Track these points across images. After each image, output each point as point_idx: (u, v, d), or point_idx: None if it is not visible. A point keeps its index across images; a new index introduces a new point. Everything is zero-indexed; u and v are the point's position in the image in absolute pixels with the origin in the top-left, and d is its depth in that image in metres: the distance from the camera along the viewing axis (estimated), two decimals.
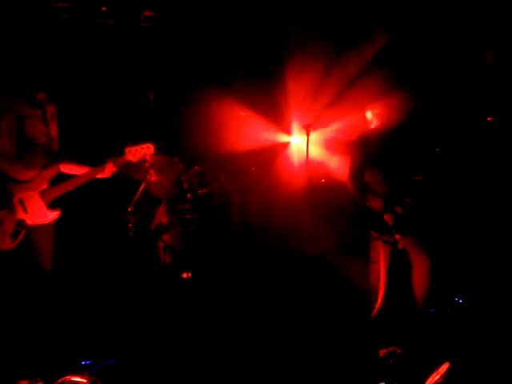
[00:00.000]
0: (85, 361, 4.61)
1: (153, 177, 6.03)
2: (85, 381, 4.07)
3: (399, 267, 5.06)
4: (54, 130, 4.47)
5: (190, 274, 6.06)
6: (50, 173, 4.37)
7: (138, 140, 4.62)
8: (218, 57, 6.93)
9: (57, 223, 4.49)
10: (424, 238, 4.97)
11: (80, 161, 4.56)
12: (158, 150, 6.29)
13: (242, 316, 5.46)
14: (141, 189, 6.04)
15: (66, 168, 4.53)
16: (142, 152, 4.55)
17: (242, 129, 6.98)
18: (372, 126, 5.16)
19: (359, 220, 5.02)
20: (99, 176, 4.49)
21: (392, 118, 5.02)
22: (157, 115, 6.60)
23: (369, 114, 5.18)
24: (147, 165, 5.99)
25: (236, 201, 6.98)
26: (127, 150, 4.53)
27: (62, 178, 4.46)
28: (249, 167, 7.13)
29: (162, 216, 6.17)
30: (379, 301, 5.00)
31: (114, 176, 6.04)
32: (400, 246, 4.91)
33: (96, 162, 4.52)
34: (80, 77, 6.34)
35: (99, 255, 6.06)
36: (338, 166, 6.08)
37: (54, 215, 4.39)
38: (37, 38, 5.85)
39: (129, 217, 6.02)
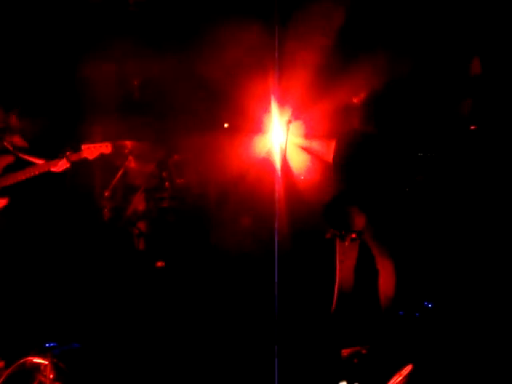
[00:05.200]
0: (49, 343, 4.57)
1: (132, 163, 6.06)
2: (46, 363, 4.01)
3: (368, 269, 5.07)
4: (13, 120, 4.47)
5: (163, 263, 6.04)
6: (5, 160, 4.35)
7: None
8: (202, 46, 6.86)
9: (34, 205, 4.46)
10: (390, 241, 4.98)
11: (37, 153, 4.54)
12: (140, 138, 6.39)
13: (211, 306, 5.46)
14: (119, 175, 6.06)
15: (23, 157, 4.53)
16: (99, 150, 4.58)
17: (223, 121, 6.96)
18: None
19: (323, 217, 5.02)
20: (52, 170, 4.47)
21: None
22: (140, 102, 6.59)
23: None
24: (127, 151, 6.03)
25: (214, 192, 6.99)
26: (85, 146, 4.54)
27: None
28: (228, 159, 7.12)
29: (138, 203, 6.16)
30: (335, 297, 5.04)
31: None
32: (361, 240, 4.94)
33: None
34: (57, 63, 6.31)
35: (73, 239, 6.02)
36: (320, 150, 6.09)
37: (1, 203, 4.36)
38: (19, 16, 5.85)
39: (105, 202, 6.03)
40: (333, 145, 5.28)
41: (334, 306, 5.06)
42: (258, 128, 7.08)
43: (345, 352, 4.60)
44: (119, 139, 5.93)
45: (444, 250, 6.04)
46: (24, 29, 6.07)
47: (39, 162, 4.46)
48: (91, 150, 4.54)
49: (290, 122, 5.80)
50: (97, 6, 6.51)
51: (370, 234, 4.93)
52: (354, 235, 4.85)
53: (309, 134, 6.78)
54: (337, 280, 5.06)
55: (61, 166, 4.46)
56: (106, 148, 4.60)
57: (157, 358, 4.54)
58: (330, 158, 5.28)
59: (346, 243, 4.92)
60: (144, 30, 6.73)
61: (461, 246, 6.03)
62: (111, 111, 6.45)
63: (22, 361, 4.05)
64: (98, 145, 4.57)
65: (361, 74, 6.05)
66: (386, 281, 4.95)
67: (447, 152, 6.60)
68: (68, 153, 4.47)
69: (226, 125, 7.22)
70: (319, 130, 6.59)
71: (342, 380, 4.14)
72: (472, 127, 6.78)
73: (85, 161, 4.64)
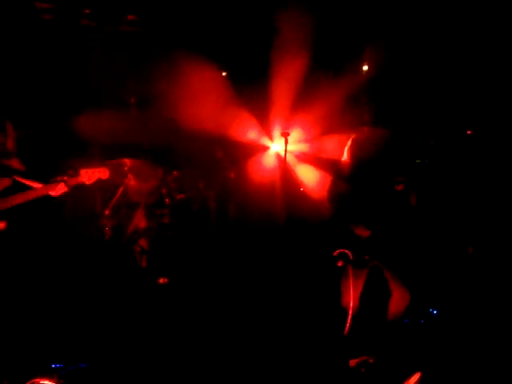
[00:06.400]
0: (55, 364, 4.55)
1: (131, 181, 6.08)
2: None
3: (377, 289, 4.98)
4: (10, 143, 4.47)
5: (166, 280, 6.03)
6: (2, 184, 4.34)
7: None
8: (201, 64, 6.90)
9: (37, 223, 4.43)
10: (404, 268, 4.87)
11: (34, 176, 4.53)
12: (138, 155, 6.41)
13: (215, 322, 5.44)
14: (119, 192, 6.07)
15: (21, 180, 4.49)
16: (96, 175, 4.55)
17: (222, 136, 6.97)
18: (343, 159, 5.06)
19: (331, 238, 4.93)
20: (51, 194, 4.44)
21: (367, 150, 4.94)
22: (137, 120, 6.60)
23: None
24: (126, 169, 6.05)
25: (214, 207, 6.99)
26: (82, 171, 4.51)
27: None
28: (228, 173, 7.14)
29: (139, 220, 6.17)
30: (348, 321, 4.93)
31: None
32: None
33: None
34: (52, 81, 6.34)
35: (75, 258, 6.01)
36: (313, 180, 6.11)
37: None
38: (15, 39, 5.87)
39: (106, 220, 6.03)
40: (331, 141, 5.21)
41: (346, 330, 4.95)
42: (260, 141, 7.12)
43: (352, 362, 4.58)
44: (117, 157, 5.95)
45: (448, 257, 6.04)
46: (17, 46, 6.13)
47: (37, 186, 4.44)
48: (89, 175, 4.52)
49: (287, 134, 5.83)
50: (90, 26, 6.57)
51: (381, 256, 4.83)
52: (367, 257, 4.72)
53: (307, 139, 6.82)
54: (350, 307, 4.92)
55: (59, 190, 4.44)
56: (103, 173, 4.58)
57: (162, 376, 4.53)
58: (328, 154, 5.19)
59: (359, 268, 4.79)
60: (139, 49, 6.77)
61: (464, 252, 6.04)
62: (107, 131, 6.45)
63: (28, 383, 4.04)
64: (96, 170, 4.54)
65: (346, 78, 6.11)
66: (398, 302, 4.82)
67: (445, 157, 6.62)
68: (66, 177, 4.46)
69: None
70: (315, 133, 6.63)
71: None
72: (468, 132, 6.81)
73: (82, 185, 4.63)
